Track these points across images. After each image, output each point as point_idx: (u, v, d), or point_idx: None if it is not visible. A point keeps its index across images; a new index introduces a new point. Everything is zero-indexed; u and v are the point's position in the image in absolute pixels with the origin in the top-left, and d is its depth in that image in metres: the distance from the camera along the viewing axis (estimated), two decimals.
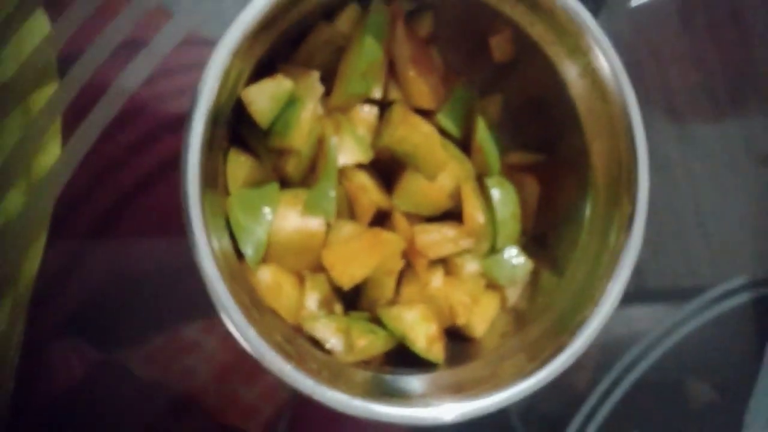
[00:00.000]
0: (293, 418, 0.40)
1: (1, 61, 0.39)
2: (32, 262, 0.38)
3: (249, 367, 0.37)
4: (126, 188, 0.40)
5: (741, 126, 0.49)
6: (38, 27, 0.40)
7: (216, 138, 0.28)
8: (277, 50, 0.31)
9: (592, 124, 0.31)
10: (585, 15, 0.29)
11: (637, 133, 0.29)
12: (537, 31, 0.31)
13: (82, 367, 0.39)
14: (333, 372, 0.28)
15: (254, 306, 0.28)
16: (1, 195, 0.38)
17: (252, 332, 0.26)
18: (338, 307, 0.32)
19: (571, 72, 0.32)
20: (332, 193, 0.31)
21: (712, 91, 0.49)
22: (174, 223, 0.40)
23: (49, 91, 0.40)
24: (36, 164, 0.39)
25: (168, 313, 0.41)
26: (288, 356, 0.26)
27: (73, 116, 0.40)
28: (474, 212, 0.32)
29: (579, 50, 0.30)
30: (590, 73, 0.30)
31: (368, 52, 0.31)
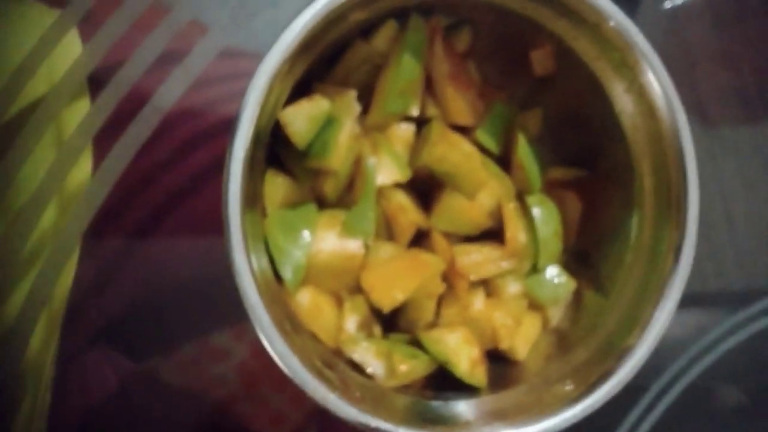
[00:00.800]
0: (322, 425, 0.40)
1: (33, 82, 0.39)
2: (66, 278, 0.38)
3: (278, 374, 0.37)
4: (159, 200, 0.41)
5: None
6: (71, 48, 0.40)
7: (256, 160, 0.28)
8: (313, 69, 0.31)
9: (639, 141, 0.30)
10: (633, 29, 0.28)
11: (688, 154, 0.28)
12: (581, 45, 0.30)
13: (116, 378, 0.39)
14: (375, 398, 0.28)
15: (294, 330, 0.28)
16: (37, 215, 0.38)
17: (294, 360, 0.25)
18: (377, 330, 0.31)
19: (616, 87, 0.30)
20: (371, 214, 0.30)
21: (743, 91, 0.48)
22: (204, 235, 0.40)
23: (80, 109, 0.40)
24: (68, 181, 0.39)
25: (197, 321, 0.41)
26: (330, 383, 0.26)
27: (107, 132, 0.40)
28: (516, 232, 0.32)
29: (626, 65, 0.29)
30: (637, 89, 0.29)
31: (406, 69, 0.30)
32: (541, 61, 0.33)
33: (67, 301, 0.38)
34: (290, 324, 0.28)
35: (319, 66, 0.32)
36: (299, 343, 0.27)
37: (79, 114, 0.40)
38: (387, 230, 0.32)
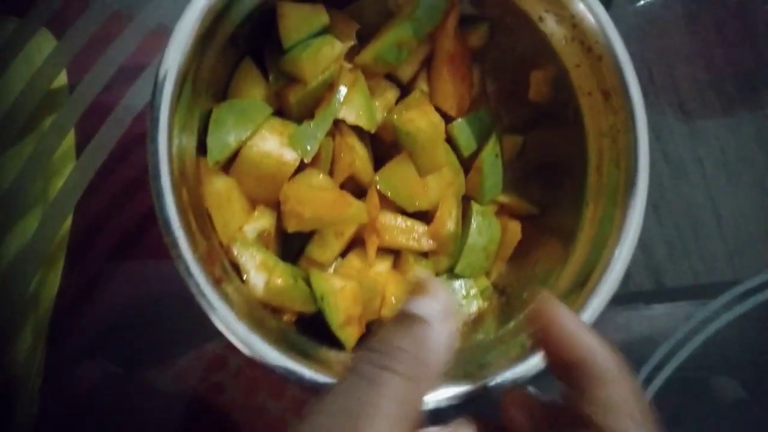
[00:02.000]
0: None
1: (8, 81, 0.38)
2: (51, 286, 0.38)
3: (276, 380, 0.38)
4: (145, 209, 0.40)
5: (752, 120, 0.49)
6: (44, 44, 0.39)
7: (214, 37, 0.27)
8: None
9: (595, 196, 0.30)
10: (629, 72, 0.29)
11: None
12: (580, 73, 0.31)
13: (109, 389, 0.38)
14: (251, 311, 0.26)
15: (192, 209, 0.26)
16: (16, 218, 0.37)
17: (183, 238, 0.24)
18: (273, 250, 0.30)
19: (595, 128, 0.31)
20: (319, 136, 0.29)
21: (721, 86, 0.48)
22: None
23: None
24: (51, 189, 0.38)
25: (193, 331, 0.40)
26: (210, 276, 0.24)
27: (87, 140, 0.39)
28: (445, 218, 0.31)
29: (611, 108, 0.30)
30: (612, 132, 0.29)
31: (413, 24, 0.30)
32: (538, 84, 0.33)
33: (57, 313, 0.37)
34: (191, 202, 0.26)
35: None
36: (191, 224, 0.26)
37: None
38: (330, 166, 0.31)
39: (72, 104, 0.38)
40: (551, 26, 0.31)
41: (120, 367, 0.38)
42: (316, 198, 0.29)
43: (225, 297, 0.25)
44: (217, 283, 0.25)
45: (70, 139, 0.40)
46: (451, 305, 0.20)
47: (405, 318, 0.20)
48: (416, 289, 0.20)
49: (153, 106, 0.25)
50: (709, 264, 0.46)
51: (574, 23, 0.30)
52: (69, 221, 0.39)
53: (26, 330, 0.37)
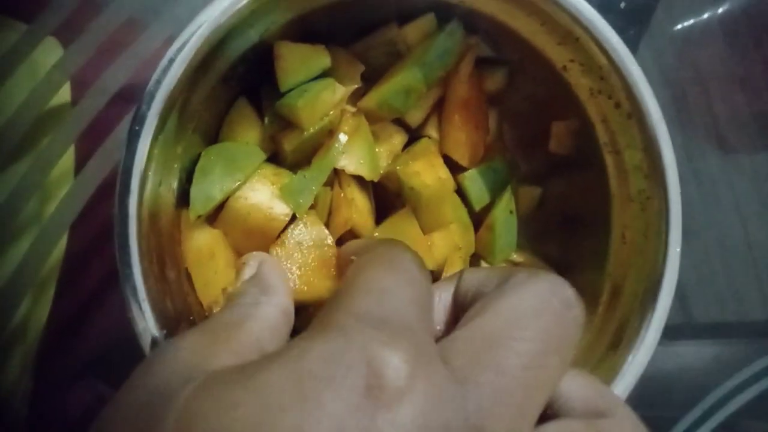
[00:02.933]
0: None
1: (9, 91, 0.37)
2: (41, 313, 0.36)
3: None
4: None
5: None
6: (51, 53, 0.38)
7: (209, 73, 0.25)
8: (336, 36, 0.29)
9: (619, 267, 0.27)
10: (662, 134, 0.25)
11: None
12: (607, 129, 0.28)
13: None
14: None
15: (160, 261, 0.24)
16: (8, 239, 0.35)
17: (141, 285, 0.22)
18: None
19: (622, 191, 0.28)
20: (314, 187, 0.27)
21: (758, 110, 0.46)
22: None
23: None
24: (46, 212, 0.37)
25: None
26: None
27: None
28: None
29: (640, 172, 0.26)
30: (640, 197, 0.26)
31: (423, 69, 0.28)
32: (559, 136, 0.30)
33: (51, 337, 0.36)
34: (159, 251, 0.24)
35: (344, 35, 0.30)
36: (157, 274, 0.23)
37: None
38: (327, 218, 0.29)
39: (72, 120, 0.36)
40: (576, 76, 0.28)
41: (111, 392, 0.36)
42: (304, 262, 0.26)
43: None
44: None
45: (69, 160, 0.38)
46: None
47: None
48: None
49: (130, 136, 0.22)
50: (739, 295, 0.43)
51: (601, 75, 0.27)
52: (63, 245, 0.37)
53: (13, 356, 0.35)
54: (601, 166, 0.28)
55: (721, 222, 0.45)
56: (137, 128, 0.23)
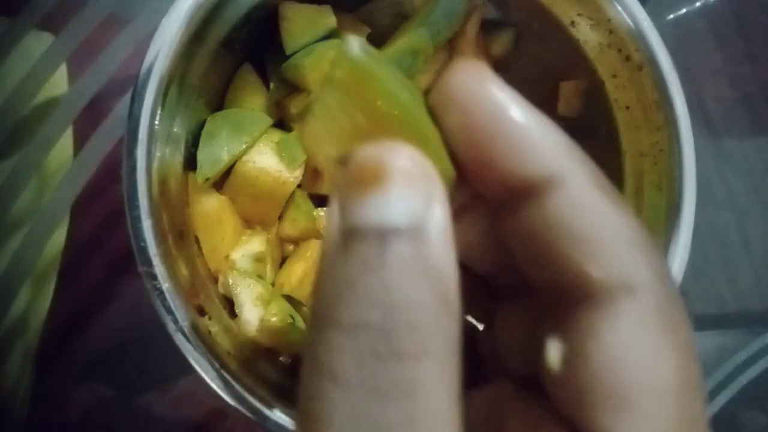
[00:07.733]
0: None
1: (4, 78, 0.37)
2: (41, 307, 0.35)
3: None
4: None
5: None
6: (40, 44, 0.37)
7: (207, 40, 0.25)
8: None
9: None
10: (673, 83, 0.25)
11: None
12: (617, 84, 0.27)
13: (104, 414, 0.36)
14: (237, 347, 0.23)
15: (175, 233, 0.23)
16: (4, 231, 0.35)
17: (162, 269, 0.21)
18: (269, 274, 0.27)
19: (633, 147, 0.27)
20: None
21: (750, 105, 0.45)
22: None
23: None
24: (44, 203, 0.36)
25: None
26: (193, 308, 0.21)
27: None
28: None
29: (652, 124, 0.26)
30: (654, 152, 0.26)
31: (430, 29, 0.27)
32: (567, 96, 0.30)
33: (51, 337, 0.35)
34: (174, 233, 0.23)
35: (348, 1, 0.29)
36: (171, 248, 0.23)
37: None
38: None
39: (68, 101, 0.36)
40: (584, 32, 0.27)
41: (115, 391, 0.35)
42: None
43: (209, 339, 0.22)
44: (200, 315, 0.22)
45: (68, 149, 0.37)
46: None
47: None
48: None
49: (131, 113, 0.22)
50: (737, 290, 0.43)
51: (610, 28, 0.26)
52: (62, 239, 0.36)
53: (14, 353, 0.34)
54: (611, 124, 0.28)
55: (716, 218, 0.44)
56: (136, 109, 0.22)
